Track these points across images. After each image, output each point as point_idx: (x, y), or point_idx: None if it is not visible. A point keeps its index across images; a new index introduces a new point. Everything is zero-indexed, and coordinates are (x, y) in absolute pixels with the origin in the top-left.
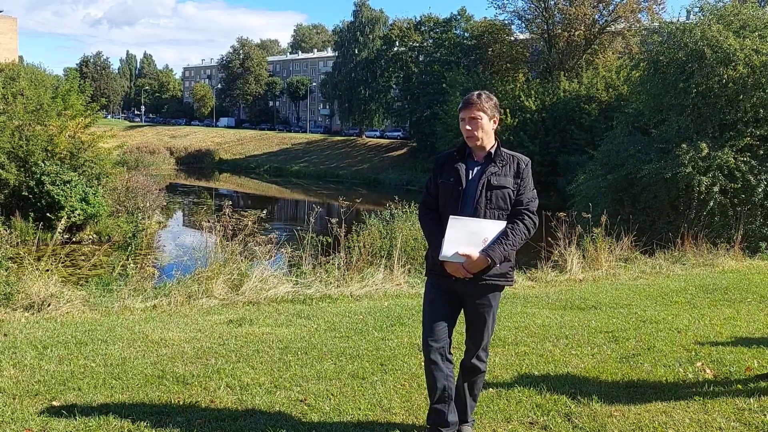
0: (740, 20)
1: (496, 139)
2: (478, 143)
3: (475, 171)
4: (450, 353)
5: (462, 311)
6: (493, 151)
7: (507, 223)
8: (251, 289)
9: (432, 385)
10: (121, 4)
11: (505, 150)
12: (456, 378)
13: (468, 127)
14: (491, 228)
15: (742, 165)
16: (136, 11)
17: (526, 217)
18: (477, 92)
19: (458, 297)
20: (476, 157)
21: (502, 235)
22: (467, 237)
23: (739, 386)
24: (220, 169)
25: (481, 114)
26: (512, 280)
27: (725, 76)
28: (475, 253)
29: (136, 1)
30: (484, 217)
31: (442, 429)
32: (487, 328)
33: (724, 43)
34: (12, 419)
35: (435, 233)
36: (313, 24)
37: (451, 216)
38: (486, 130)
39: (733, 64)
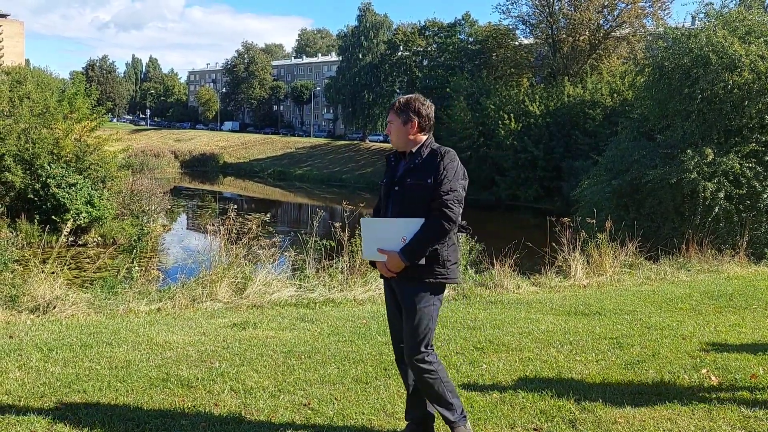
0: (745, 26)
1: (427, 138)
2: (395, 146)
3: (399, 171)
4: None
5: None
6: (414, 150)
7: (425, 220)
8: (255, 292)
9: (404, 382)
10: (129, 8)
11: (434, 145)
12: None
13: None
14: (407, 226)
15: (748, 171)
16: (144, 15)
17: (439, 212)
18: (400, 97)
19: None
20: (404, 158)
21: (417, 233)
22: (387, 236)
23: (745, 393)
24: (224, 172)
25: (393, 118)
26: (446, 276)
27: (730, 81)
28: (391, 253)
29: (144, 5)
30: (400, 214)
31: (418, 425)
32: (413, 326)
33: (729, 48)
34: (18, 421)
35: None
36: (317, 28)
37: (362, 218)
38: (398, 134)
39: (739, 69)
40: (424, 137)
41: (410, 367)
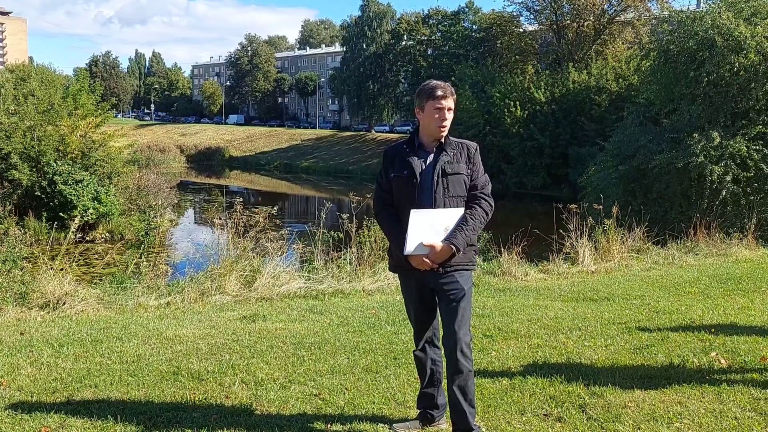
0: (751, 7)
1: None
2: (442, 134)
3: (428, 161)
4: (437, 338)
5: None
6: (443, 140)
7: (465, 209)
8: (264, 285)
9: (420, 371)
10: (134, 3)
11: (452, 138)
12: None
13: (446, 117)
14: (451, 216)
15: (755, 153)
16: (149, 10)
17: (482, 201)
18: (443, 82)
19: (430, 289)
20: (426, 148)
21: (462, 221)
22: (429, 228)
23: (755, 375)
24: (230, 166)
25: (453, 105)
26: (474, 264)
27: (736, 64)
28: (438, 243)
29: (149, 0)
30: (443, 205)
31: (431, 411)
32: (463, 317)
33: (735, 30)
34: (30, 417)
35: (395, 229)
36: (320, 19)
37: (412, 210)
38: (451, 121)
39: (745, 51)
40: None
41: (455, 365)
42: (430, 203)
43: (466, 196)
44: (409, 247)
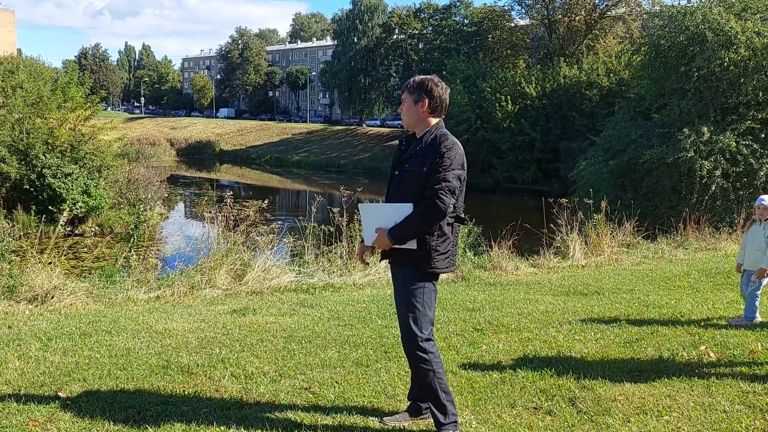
0: (742, 2)
1: (437, 122)
2: (405, 126)
3: (404, 156)
4: None
5: None
6: (420, 134)
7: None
8: (254, 279)
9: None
10: None
11: (439, 132)
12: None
13: (401, 110)
14: (399, 211)
15: (744, 148)
16: (140, 2)
17: (428, 200)
18: (415, 77)
19: None
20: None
21: (406, 218)
22: (382, 220)
23: (743, 369)
24: (220, 160)
25: (406, 96)
26: (431, 266)
27: (726, 59)
28: (381, 230)
29: None
30: (398, 200)
31: (420, 403)
32: (402, 308)
33: (725, 25)
34: (18, 410)
35: None
36: (311, 13)
37: (359, 204)
38: (409, 113)
39: (735, 46)
40: (435, 120)
41: (405, 353)
42: (389, 196)
43: (421, 193)
44: (365, 238)
